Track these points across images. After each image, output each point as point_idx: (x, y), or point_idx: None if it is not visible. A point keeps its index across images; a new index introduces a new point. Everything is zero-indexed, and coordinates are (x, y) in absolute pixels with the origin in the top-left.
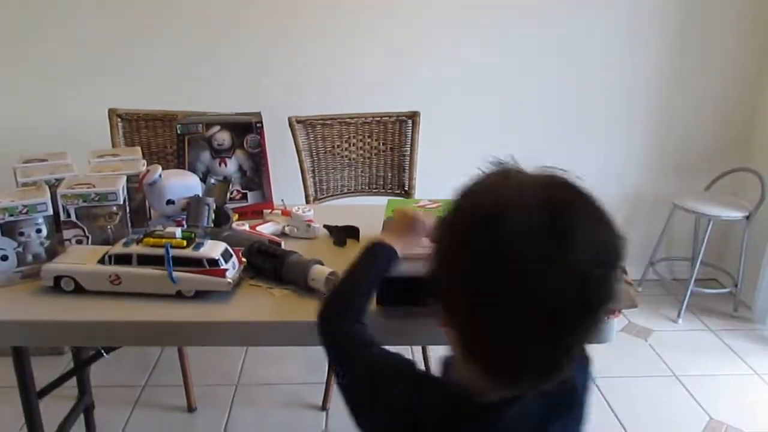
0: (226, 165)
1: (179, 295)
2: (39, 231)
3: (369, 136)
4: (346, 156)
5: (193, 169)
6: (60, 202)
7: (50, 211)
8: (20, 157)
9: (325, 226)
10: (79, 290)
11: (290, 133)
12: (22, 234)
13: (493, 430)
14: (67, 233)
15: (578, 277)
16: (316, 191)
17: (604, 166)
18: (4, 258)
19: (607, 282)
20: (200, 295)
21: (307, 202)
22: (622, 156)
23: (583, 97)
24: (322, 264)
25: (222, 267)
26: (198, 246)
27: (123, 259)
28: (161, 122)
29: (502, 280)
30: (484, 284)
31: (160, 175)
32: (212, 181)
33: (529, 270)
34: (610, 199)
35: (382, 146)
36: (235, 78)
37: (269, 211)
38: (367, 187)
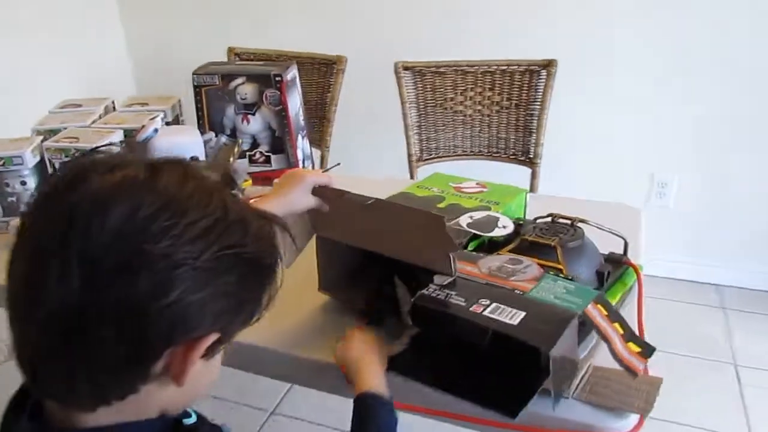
0: (248, 122)
1: None
2: (24, 183)
3: (490, 89)
4: (461, 111)
5: (218, 126)
6: (45, 155)
7: (28, 164)
8: (60, 101)
9: None
10: None
11: (395, 80)
12: (7, 185)
13: None
14: None
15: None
16: (420, 150)
17: None
18: None
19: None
20: None
21: (410, 162)
22: None
23: None
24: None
25: None
26: None
27: None
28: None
29: None
30: None
31: (155, 131)
32: (222, 140)
33: None
34: None
35: (506, 102)
36: (343, 18)
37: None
38: (485, 150)
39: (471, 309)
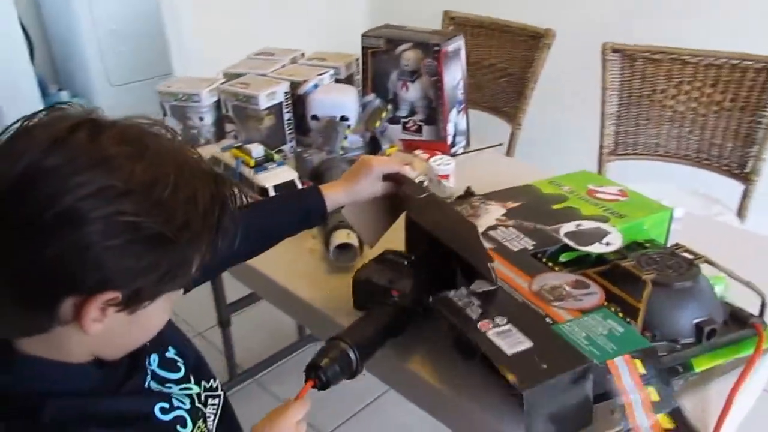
0: (407, 89)
1: None
2: (201, 119)
3: (712, 85)
4: (671, 106)
5: (382, 88)
6: (220, 97)
7: (204, 103)
8: (260, 49)
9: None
10: None
11: (600, 63)
12: (189, 119)
13: None
14: (228, 126)
15: None
16: (615, 144)
17: None
18: None
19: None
20: None
21: (600, 154)
22: None
23: None
24: (350, 228)
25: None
26: (260, 169)
27: (216, 162)
28: (497, 32)
29: None
30: None
31: (315, 86)
32: (376, 103)
33: None
34: None
35: (729, 102)
36: None
37: (420, 151)
38: (692, 154)
39: (478, 325)
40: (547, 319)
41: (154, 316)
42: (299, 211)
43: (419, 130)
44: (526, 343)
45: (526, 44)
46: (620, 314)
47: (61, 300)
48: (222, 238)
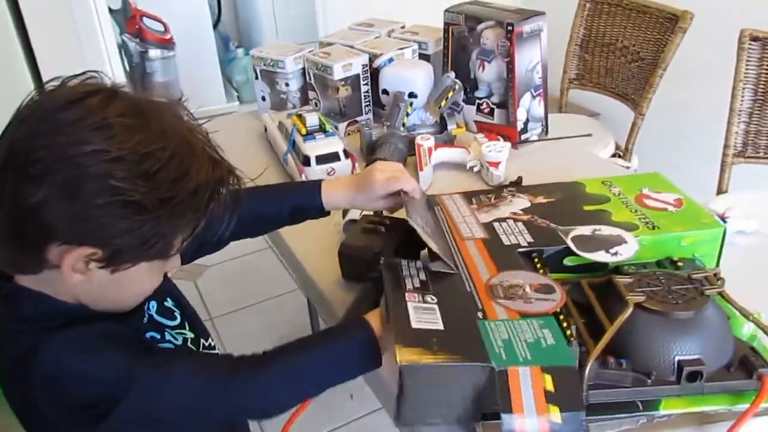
0: (483, 69)
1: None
2: (287, 84)
3: None
4: None
5: (463, 67)
6: (305, 65)
7: (289, 69)
8: (365, 18)
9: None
10: None
11: (736, 52)
12: (276, 83)
13: None
14: (310, 94)
15: None
16: (744, 144)
17: None
18: (263, 98)
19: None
20: None
21: (724, 155)
22: None
23: None
24: None
25: (307, 166)
26: (309, 138)
27: (281, 128)
28: (633, 12)
29: None
30: None
31: (389, 60)
32: (447, 82)
33: None
34: None
35: None
36: None
37: (481, 135)
38: None
39: (405, 294)
40: (479, 314)
41: (137, 281)
42: (292, 204)
43: (492, 113)
44: (437, 324)
45: (661, 27)
46: (570, 331)
47: (48, 245)
48: (210, 223)
